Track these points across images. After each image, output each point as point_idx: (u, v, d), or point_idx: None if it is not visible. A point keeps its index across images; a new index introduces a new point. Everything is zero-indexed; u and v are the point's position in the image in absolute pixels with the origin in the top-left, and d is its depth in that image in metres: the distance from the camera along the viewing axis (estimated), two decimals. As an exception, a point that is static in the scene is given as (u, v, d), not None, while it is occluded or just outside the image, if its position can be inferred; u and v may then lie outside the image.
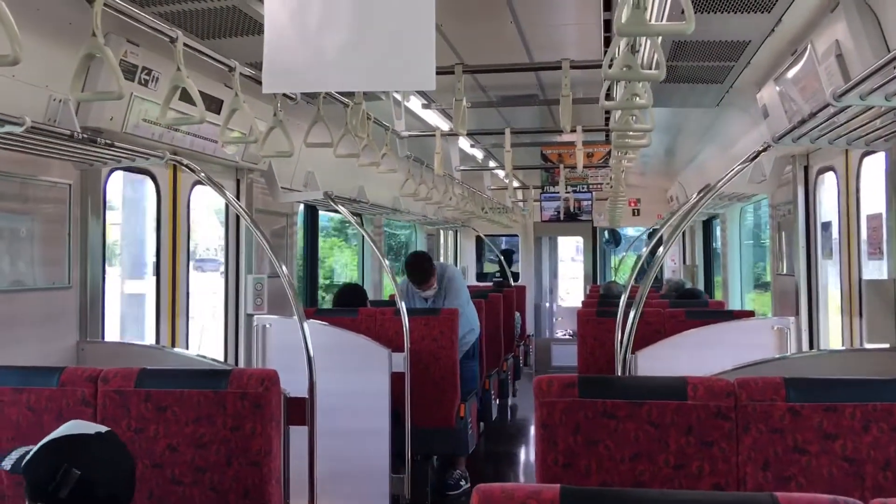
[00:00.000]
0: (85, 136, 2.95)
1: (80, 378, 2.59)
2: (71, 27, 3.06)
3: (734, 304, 7.36)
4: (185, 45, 2.75)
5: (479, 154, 8.00)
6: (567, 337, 11.84)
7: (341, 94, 3.97)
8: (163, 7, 3.28)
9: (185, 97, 3.00)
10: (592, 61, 3.91)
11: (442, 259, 11.23)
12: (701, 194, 3.91)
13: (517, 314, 9.18)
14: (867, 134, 3.00)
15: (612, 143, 4.50)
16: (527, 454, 7.52)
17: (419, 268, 5.83)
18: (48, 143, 2.94)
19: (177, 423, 2.53)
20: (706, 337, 4.23)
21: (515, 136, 5.49)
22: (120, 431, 2.54)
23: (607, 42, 4.14)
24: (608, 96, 3.09)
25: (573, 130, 4.54)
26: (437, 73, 2.70)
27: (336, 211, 5.52)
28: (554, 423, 2.36)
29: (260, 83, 3.00)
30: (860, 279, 4.02)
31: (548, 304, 13.00)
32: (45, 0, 2.93)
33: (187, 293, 4.54)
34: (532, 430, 8.81)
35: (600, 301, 6.90)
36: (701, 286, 9.06)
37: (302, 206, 6.20)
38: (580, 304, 7.84)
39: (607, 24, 3.96)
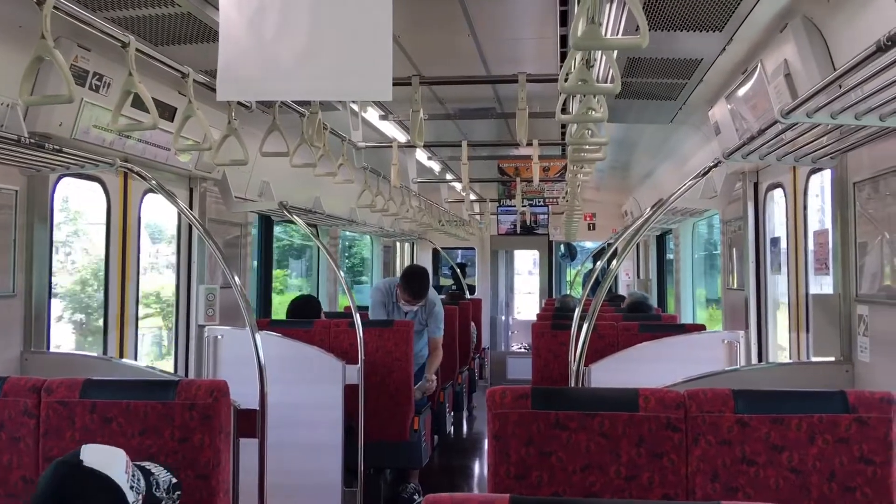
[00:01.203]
0: (32, 141, 2.88)
1: (23, 388, 2.52)
2: (20, 30, 2.99)
3: (686, 318, 7.47)
4: (139, 50, 2.71)
5: (436, 166, 8.02)
6: (523, 350, 11.89)
7: (297, 103, 3.95)
8: (115, 12, 3.22)
9: (138, 103, 2.95)
10: (548, 75, 3.95)
11: (398, 272, 11.21)
12: (654, 209, 3.96)
13: (473, 327, 9.19)
14: (814, 151, 3.07)
15: (568, 157, 4.54)
16: (481, 467, 7.51)
17: (425, 282, 5.88)
18: (-7, 147, 2.87)
19: (123, 435, 2.47)
20: (659, 350, 4.28)
21: (472, 149, 5.52)
22: (64, 443, 2.49)
23: (563, 57, 4.18)
24: (564, 110, 3.12)
25: (529, 144, 4.57)
26: (394, 85, 2.71)
27: (291, 221, 5.47)
28: (507, 435, 2.35)
29: (214, 90, 2.97)
30: (807, 294, 4.11)
31: (503, 318, 13.05)
32: (7, 5, 2.86)
33: (136, 302, 4.45)
34: (484, 443, 8.83)
35: (555, 314, 6.94)
36: (655, 300, 9.18)
37: (257, 217, 6.14)
38: (535, 318, 7.88)
39: (563, 40, 4.01)
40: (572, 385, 3.69)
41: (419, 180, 7.49)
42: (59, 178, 3.71)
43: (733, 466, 2.27)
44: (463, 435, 8.73)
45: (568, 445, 2.31)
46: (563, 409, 2.35)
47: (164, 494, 2.14)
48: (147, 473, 2.11)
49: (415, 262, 12.13)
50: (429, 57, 4.39)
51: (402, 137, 6.03)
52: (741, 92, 3.85)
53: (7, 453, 2.50)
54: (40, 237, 3.52)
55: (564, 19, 3.74)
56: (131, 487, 1.99)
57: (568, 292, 11.33)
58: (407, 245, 11.85)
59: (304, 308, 5.72)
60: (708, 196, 5.13)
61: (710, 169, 3.52)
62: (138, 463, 2.15)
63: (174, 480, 2.21)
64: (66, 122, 3.43)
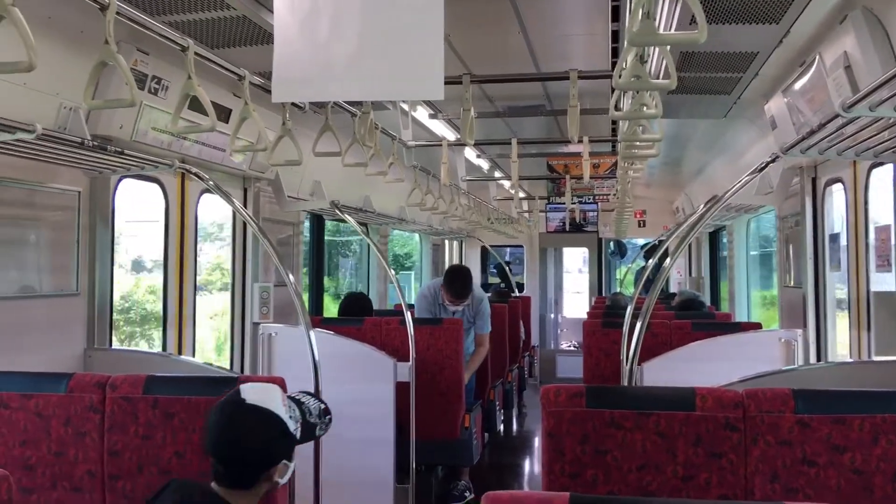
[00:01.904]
0: (95, 143, 2.97)
1: (89, 384, 2.60)
2: (82, 35, 3.08)
3: (741, 317, 7.34)
4: (196, 54, 2.76)
5: (485, 164, 8.02)
6: (572, 348, 11.82)
7: (349, 103, 3.99)
8: (174, 16, 3.30)
9: (195, 106, 3.01)
10: (600, 71, 3.93)
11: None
12: (707, 206, 3.91)
13: (522, 325, 9.16)
14: (876, 145, 3.00)
15: (619, 154, 4.49)
16: (531, 465, 7.50)
17: (467, 282, 5.87)
18: (58, 150, 2.96)
19: (184, 430, 2.53)
20: (713, 349, 4.22)
21: (522, 147, 5.49)
22: (127, 438, 2.56)
23: (615, 52, 4.15)
24: (616, 107, 3.09)
25: (580, 141, 4.55)
26: (445, 84, 2.71)
27: (343, 220, 5.53)
28: (561, 433, 2.35)
29: (269, 92, 3.01)
30: (868, 291, 4.01)
31: (553, 315, 12.98)
32: (58, 8, 2.94)
33: (194, 301, 4.54)
34: (537, 441, 8.80)
35: (606, 312, 6.89)
36: (707, 298, 9.04)
37: (308, 215, 6.22)
38: (586, 316, 7.83)
39: (615, 35, 3.97)
40: (624, 383, 3.67)
41: (468, 178, 7.49)
42: (120, 179, 3.80)
43: (793, 467, 2.24)
44: (513, 433, 8.72)
45: (623, 444, 2.30)
46: (617, 408, 2.33)
47: (318, 420, 2.31)
48: (299, 403, 2.27)
49: (463, 261, 12.15)
50: (478, 55, 4.39)
51: (451, 136, 6.04)
52: (798, 85, 3.77)
53: (73, 448, 2.58)
54: (102, 237, 3.62)
55: (616, 14, 3.70)
56: (290, 417, 2.18)
57: (619, 290, 11.22)
58: (455, 243, 11.87)
59: (355, 305, 5.78)
60: (764, 192, 5.04)
61: (767, 164, 3.46)
62: (289, 395, 2.33)
63: (322, 406, 2.37)
64: (126, 125, 3.52)
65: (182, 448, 2.52)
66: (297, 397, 2.33)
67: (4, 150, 2.85)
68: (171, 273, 4.37)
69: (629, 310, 4.14)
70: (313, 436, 2.32)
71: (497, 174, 8.51)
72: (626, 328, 4.03)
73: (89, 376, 2.63)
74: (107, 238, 3.67)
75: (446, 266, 11.28)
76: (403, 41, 2.96)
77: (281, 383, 2.60)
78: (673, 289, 10.54)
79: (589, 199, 9.77)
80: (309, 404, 2.34)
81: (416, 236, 10.82)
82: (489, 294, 10.74)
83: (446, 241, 11.36)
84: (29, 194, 3.26)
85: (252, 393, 2.17)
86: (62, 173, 3.40)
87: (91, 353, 3.54)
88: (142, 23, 2.51)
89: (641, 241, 12.38)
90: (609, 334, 5.16)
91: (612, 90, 3.14)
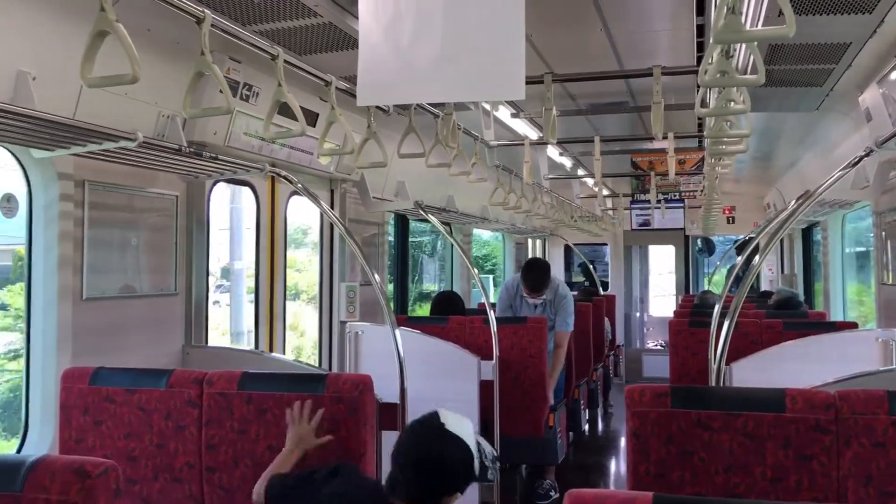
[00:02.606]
0: (192, 150, 3.10)
1: (187, 380, 2.72)
2: (177, 46, 3.22)
3: (836, 316, 7.09)
4: (285, 61, 2.85)
5: (567, 162, 7.97)
6: (658, 347, 11.63)
7: (432, 105, 4.04)
8: (262, 25, 3.41)
9: (284, 111, 3.12)
10: (684, 67, 3.87)
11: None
12: (800, 201, 3.80)
13: (607, 323, 9.07)
14: (979, 137, 2.87)
15: (707, 150, 4.41)
16: (617, 465, 7.43)
17: (542, 273, 5.76)
18: (158, 156, 3.11)
19: (277, 425, 2.63)
20: (805, 349, 4.10)
21: (605, 144, 5.45)
22: (223, 432, 2.67)
23: (700, 47, 4.08)
24: (703, 102, 3.04)
25: (664, 137, 4.49)
26: (527, 83, 2.73)
27: (426, 220, 5.60)
28: (646, 433, 2.34)
29: (353, 96, 3.09)
30: (973, 289, 3.83)
31: (638, 314, 12.79)
32: (155, 21, 3.09)
33: (284, 300, 4.69)
34: (622, 441, 8.70)
35: (693, 311, 6.76)
36: (801, 296, 8.75)
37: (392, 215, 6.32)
38: (672, 314, 7.70)
39: (700, 29, 3.91)
40: (712, 384, 3.60)
41: (551, 177, 7.47)
42: (214, 183, 3.96)
43: (888, 470, 2.17)
44: (598, 432, 8.64)
45: (710, 445, 2.27)
46: (704, 409, 2.31)
47: (490, 464, 2.34)
48: (478, 444, 2.30)
49: (547, 258, 12.09)
50: (559, 53, 4.38)
51: (533, 134, 6.04)
52: (895, 75, 3.63)
53: (173, 440, 2.71)
54: (199, 239, 3.79)
55: (701, 8, 3.64)
56: (476, 453, 2.23)
57: (707, 288, 10.96)
58: (538, 242, 11.83)
59: (447, 303, 5.84)
60: (859, 186, 4.86)
61: (862, 158, 3.35)
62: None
63: (495, 453, 2.40)
64: (219, 131, 3.66)
65: (275, 442, 2.61)
66: (477, 440, 2.37)
67: (108, 157, 3.01)
68: (262, 273, 4.52)
69: (717, 308, 4.06)
70: (485, 478, 2.34)
71: (580, 172, 8.44)
72: (713, 327, 3.95)
73: (188, 373, 2.76)
74: (202, 240, 3.83)
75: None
76: (485, 42, 3.00)
77: (368, 381, 2.67)
78: (764, 287, 10.24)
79: (675, 195, 9.58)
80: (484, 447, 2.37)
81: (496, 238, 10.84)
82: (575, 293, 10.70)
83: (529, 240, 11.34)
84: (130, 199, 3.43)
85: (451, 419, 2.24)
86: (160, 178, 3.57)
87: (188, 349, 3.70)
88: (234, 33, 2.61)
89: (732, 238, 12.07)
90: (696, 333, 5.07)
91: (698, 86, 3.09)
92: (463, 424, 2.25)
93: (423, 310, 7.85)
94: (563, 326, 5.87)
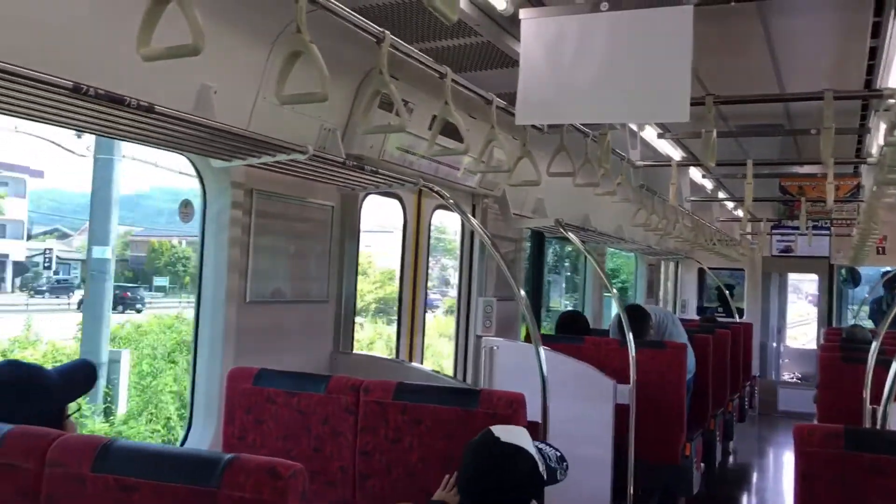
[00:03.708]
0: (354, 163, 3.21)
1: (345, 387, 2.80)
2: (340, 63, 3.34)
3: None
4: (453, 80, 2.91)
5: (709, 184, 7.75)
6: (796, 381, 11.08)
7: (584, 124, 4.02)
8: (423, 44, 3.50)
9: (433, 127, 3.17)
10: (856, 92, 3.71)
11: (662, 291, 10.95)
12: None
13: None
14: None
15: (877, 178, 4.18)
16: (748, 500, 7.14)
17: (632, 322, 5.55)
18: (321, 168, 3.23)
19: (430, 436, 2.66)
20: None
21: (754, 167, 5.27)
22: (377, 440, 2.73)
23: (869, 70, 3.89)
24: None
25: (819, 163, 4.30)
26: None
27: (565, 238, 5.56)
28: (814, 476, 2.23)
29: (510, 114, 3.12)
30: None
31: (775, 345, 12.23)
32: (320, 39, 3.22)
33: (424, 311, 4.77)
34: (755, 475, 8.34)
35: (842, 345, 6.41)
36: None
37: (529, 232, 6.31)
38: (814, 347, 7.33)
39: (872, 52, 3.72)
40: (866, 425, 3.41)
41: (692, 199, 7.28)
42: (366, 195, 4.08)
43: None
44: (732, 465, 8.32)
45: (889, 495, 2.14)
46: (881, 453, 2.18)
47: (557, 465, 2.38)
48: (538, 449, 2.33)
49: (678, 282, 11.77)
50: (716, 73, 4.27)
51: (676, 155, 5.91)
52: None
53: (329, 445, 2.80)
54: (350, 249, 3.90)
55: (877, 30, 3.47)
56: (538, 458, 2.25)
57: (853, 321, 10.36)
58: (671, 264, 11.53)
59: (572, 323, 5.79)
60: None
61: None
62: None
63: (559, 453, 2.44)
64: (375, 145, 3.77)
65: (427, 454, 2.65)
66: (537, 445, 2.38)
67: (275, 167, 3.15)
68: (405, 284, 4.61)
69: (874, 346, 3.85)
70: (555, 480, 2.36)
71: (721, 194, 8.19)
72: (870, 364, 3.75)
73: (345, 379, 2.84)
74: (354, 250, 3.95)
75: (661, 286, 10.99)
76: (650, 64, 2.96)
77: (520, 399, 2.68)
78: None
79: (825, 222, 9.13)
80: (547, 451, 2.39)
81: (623, 253, 10.64)
82: (698, 318, 10.33)
83: (662, 262, 11.07)
84: (291, 208, 3.57)
85: (504, 433, 2.25)
86: (319, 189, 3.70)
87: (336, 356, 3.82)
88: (407, 52, 2.69)
89: (878, 270, 11.38)
90: (849, 370, 4.81)
91: (864, 111, 2.95)
92: (518, 434, 2.26)
93: (544, 328, 7.80)
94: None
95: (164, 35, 2.00)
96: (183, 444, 3.21)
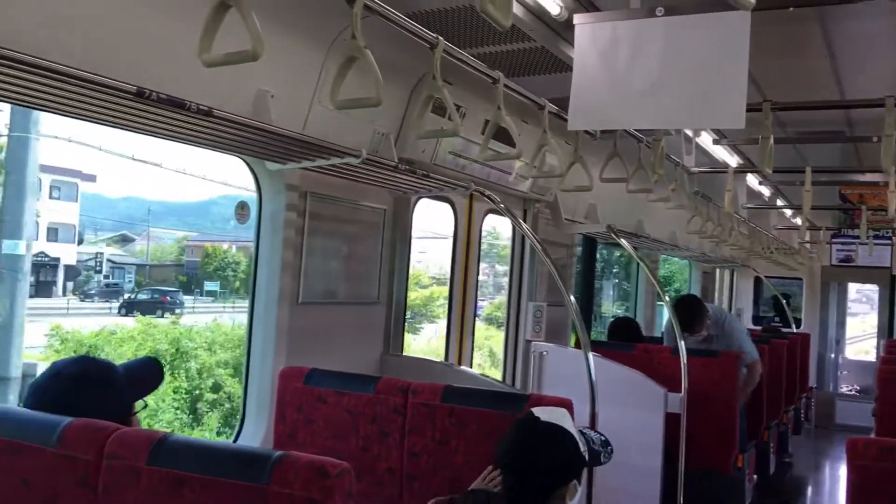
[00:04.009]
0: (407, 167, 3.24)
1: (393, 388, 2.83)
2: (392, 68, 3.37)
3: None
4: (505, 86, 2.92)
5: (766, 191, 7.61)
6: (854, 393, 10.79)
7: (638, 130, 3.99)
8: (476, 49, 3.51)
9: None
10: (922, 98, 3.60)
11: (716, 300, 10.77)
12: None
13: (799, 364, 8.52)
14: None
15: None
16: (802, 515, 6.99)
17: (685, 314, 5.45)
18: (374, 172, 3.27)
19: (476, 440, 2.67)
20: None
21: (813, 175, 5.16)
22: (424, 441, 2.76)
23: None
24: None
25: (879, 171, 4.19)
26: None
27: (616, 244, 5.53)
28: (869, 490, 2.19)
29: (562, 119, 3.11)
30: None
31: (832, 356, 11.93)
32: (374, 45, 3.27)
33: (474, 315, 4.78)
34: (809, 489, 8.15)
35: (903, 359, 6.22)
36: None
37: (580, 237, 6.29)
38: (873, 359, 7.14)
39: (939, 57, 3.63)
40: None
41: (749, 206, 7.15)
42: (418, 198, 4.11)
43: None
44: (785, 478, 8.14)
45: (948, 512, 2.09)
46: (940, 470, 2.12)
47: (601, 448, 2.40)
48: (581, 432, 2.35)
49: (734, 291, 11.56)
50: (774, 79, 4.20)
51: (732, 161, 5.82)
52: None
53: (377, 445, 2.83)
54: (402, 252, 3.94)
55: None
56: (579, 439, 2.27)
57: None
58: (727, 272, 11.33)
59: (624, 330, 5.74)
60: None
61: None
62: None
63: (604, 438, 2.45)
64: (427, 150, 3.80)
65: (473, 457, 2.66)
66: (580, 429, 2.40)
67: (329, 171, 3.20)
68: (456, 287, 4.63)
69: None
70: (598, 462, 2.38)
71: (779, 202, 8.03)
72: (933, 379, 3.65)
73: (393, 381, 2.87)
74: (405, 252, 3.98)
75: (716, 294, 10.82)
76: (706, 69, 2.93)
77: (569, 405, 2.67)
78: None
79: (887, 232, 8.88)
80: (591, 435, 2.40)
81: (674, 260, 10.50)
82: (759, 327, 10.12)
83: (717, 270, 10.89)
84: (344, 210, 3.62)
85: (545, 413, 2.27)
86: (371, 193, 3.74)
87: (386, 357, 3.85)
88: (460, 57, 2.71)
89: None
90: (910, 384, 4.68)
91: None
92: (559, 415, 2.27)
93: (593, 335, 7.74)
94: (745, 360, 5.51)
95: (223, 41, 2.05)
96: (235, 440, 3.28)
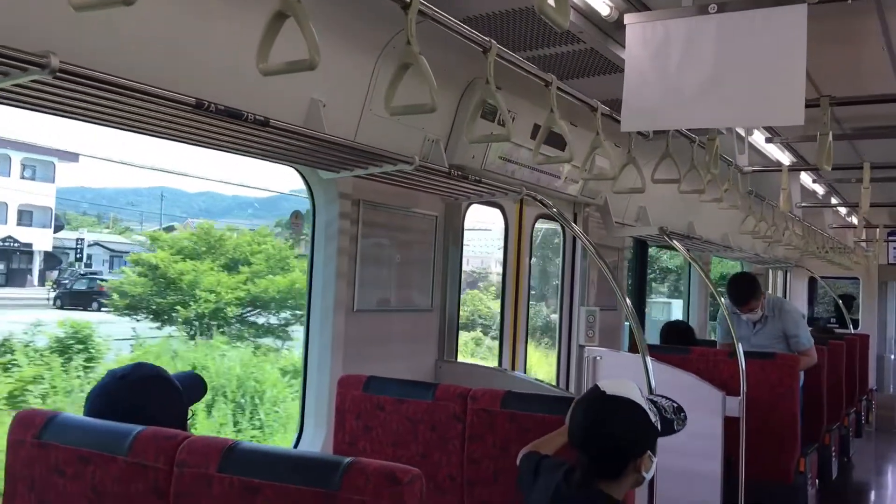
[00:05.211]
0: (458, 173, 3.24)
1: (452, 395, 2.82)
2: (443, 74, 3.37)
3: None
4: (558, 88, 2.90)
5: (820, 189, 7.44)
6: (916, 395, 10.49)
7: (690, 130, 3.94)
8: (527, 52, 3.50)
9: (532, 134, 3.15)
10: None
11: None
12: None
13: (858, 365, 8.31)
14: None
15: None
16: (867, 521, 6.79)
17: (739, 286, 5.55)
18: (425, 178, 3.27)
19: (537, 446, 2.65)
20: None
21: (871, 171, 5.04)
22: (485, 448, 2.74)
23: None
24: None
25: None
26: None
27: (671, 247, 5.45)
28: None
29: (614, 120, 3.08)
30: None
31: (892, 357, 11.61)
32: (426, 50, 3.27)
33: (526, 319, 4.75)
34: (872, 494, 7.92)
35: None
36: None
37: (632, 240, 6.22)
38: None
39: None
40: None
41: (804, 205, 7.00)
42: (469, 204, 4.10)
43: None
44: (848, 483, 7.93)
45: None
46: None
47: (673, 416, 2.33)
48: (652, 401, 2.30)
49: (788, 292, 11.33)
50: (830, 73, 4.09)
51: (785, 159, 5.70)
52: None
53: (437, 452, 2.81)
54: (454, 258, 3.94)
55: None
56: (648, 409, 2.23)
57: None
58: (780, 273, 11.11)
59: (677, 334, 5.66)
60: None
61: None
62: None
63: (675, 404, 2.38)
64: (477, 155, 3.79)
65: (534, 463, 2.63)
66: (649, 397, 2.36)
67: (381, 178, 3.21)
68: (507, 293, 4.61)
69: None
70: (672, 430, 2.32)
71: (833, 200, 7.85)
72: None
73: (452, 387, 2.86)
74: (457, 258, 3.98)
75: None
76: (761, 66, 2.87)
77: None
78: None
79: (948, 229, 8.62)
80: (662, 402, 2.35)
81: (724, 261, 10.32)
82: (812, 327, 9.88)
83: (770, 271, 10.69)
84: (396, 218, 3.63)
85: (611, 386, 2.24)
86: (423, 199, 3.75)
87: (441, 364, 3.85)
88: (513, 61, 2.70)
89: None
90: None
91: None
92: (625, 386, 2.23)
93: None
94: (800, 344, 5.48)
95: (274, 50, 2.07)
96: (296, 446, 3.30)
